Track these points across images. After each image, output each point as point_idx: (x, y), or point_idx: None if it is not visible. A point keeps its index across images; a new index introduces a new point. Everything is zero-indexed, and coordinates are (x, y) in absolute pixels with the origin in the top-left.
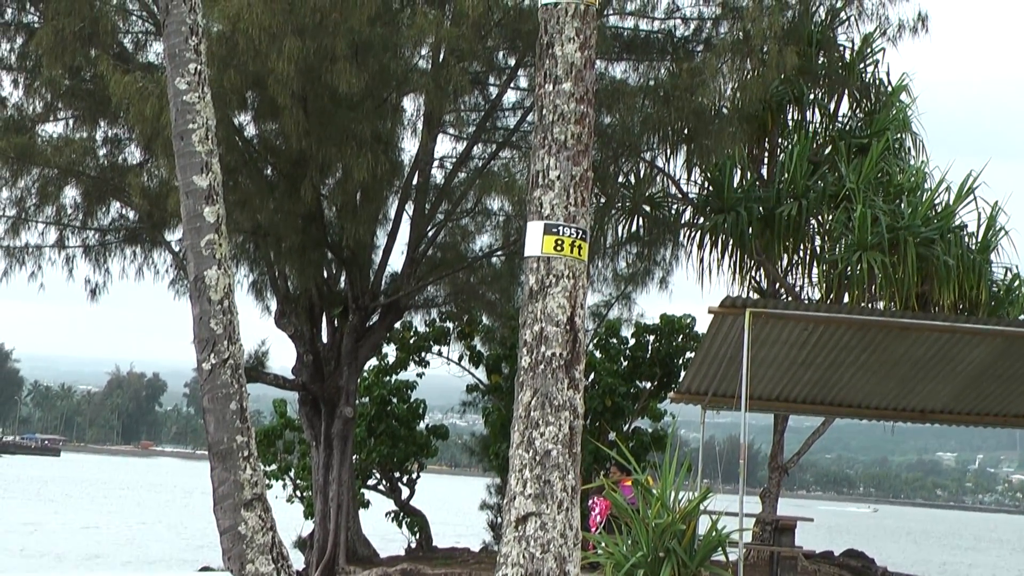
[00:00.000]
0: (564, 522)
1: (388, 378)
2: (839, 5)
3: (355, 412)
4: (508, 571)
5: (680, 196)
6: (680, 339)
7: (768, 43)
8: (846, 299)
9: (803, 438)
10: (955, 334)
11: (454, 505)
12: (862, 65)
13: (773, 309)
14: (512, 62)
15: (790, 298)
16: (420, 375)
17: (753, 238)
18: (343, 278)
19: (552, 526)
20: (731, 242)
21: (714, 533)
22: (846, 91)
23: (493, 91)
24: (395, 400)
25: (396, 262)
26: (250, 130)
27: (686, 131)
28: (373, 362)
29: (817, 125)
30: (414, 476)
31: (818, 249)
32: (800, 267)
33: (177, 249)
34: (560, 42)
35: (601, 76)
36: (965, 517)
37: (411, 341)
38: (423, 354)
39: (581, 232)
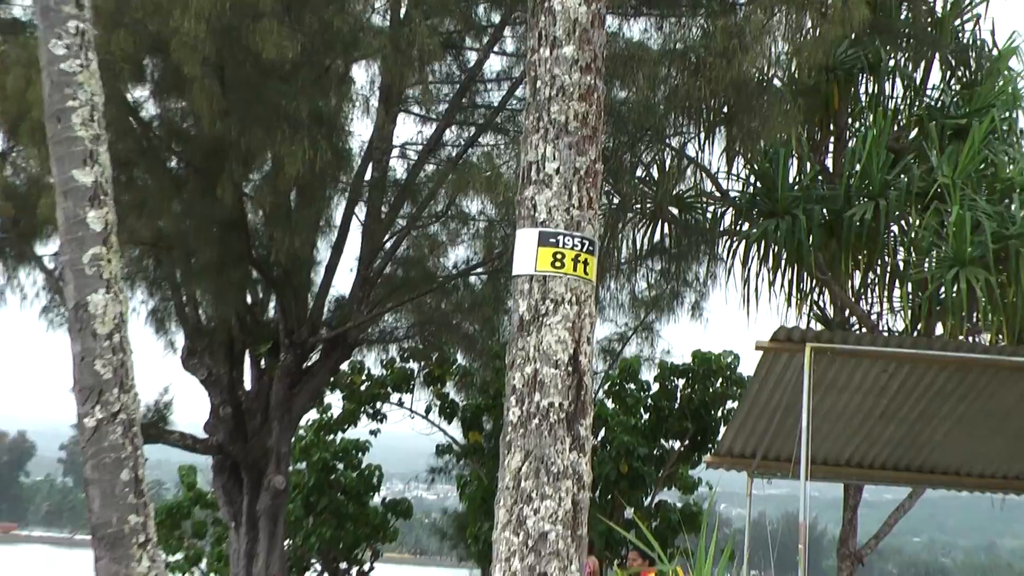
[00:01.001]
0: None
1: (332, 437)
2: None
3: (288, 482)
4: None
5: (718, 195)
6: (719, 384)
7: None
8: (939, 330)
9: (883, 516)
10: None
11: None
12: (958, 21)
13: (842, 344)
14: (496, 18)
15: (864, 329)
16: (375, 432)
17: (815, 250)
18: (273, 304)
19: None
20: (786, 255)
21: None
22: (937, 56)
23: (472, 57)
24: (341, 466)
25: (344, 283)
26: (149, 109)
27: (725, 109)
28: (313, 415)
29: (899, 101)
30: (366, 568)
31: (901, 264)
32: (878, 288)
33: (51, 266)
34: None
35: (614, 37)
36: None
37: (363, 388)
38: (379, 405)
39: (588, 243)
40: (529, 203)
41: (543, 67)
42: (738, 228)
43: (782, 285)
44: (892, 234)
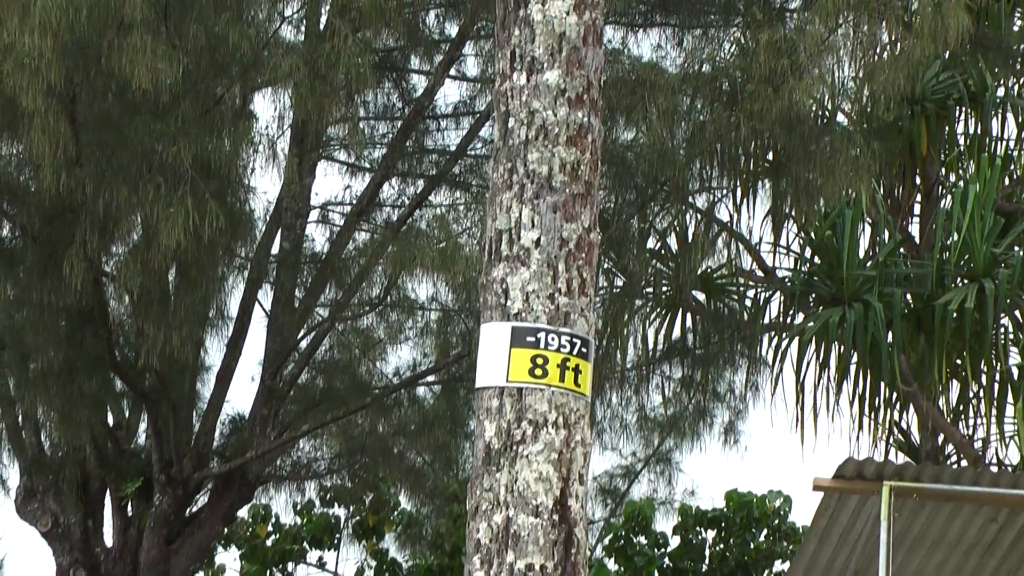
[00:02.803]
0: None
1: None
2: None
3: None
4: None
5: (761, 275)
6: (763, 537)
7: None
8: None
9: None
10: None
11: None
12: None
13: (933, 483)
14: (453, 30)
15: (964, 461)
16: None
17: (895, 350)
18: (144, 427)
19: None
20: (855, 358)
21: None
22: None
23: (419, 83)
24: None
25: (242, 397)
26: None
27: (771, 155)
28: None
29: (1011, 144)
30: None
31: (1015, 371)
32: (983, 404)
33: None
34: None
35: (615, 56)
36: None
37: (269, 542)
38: (291, 566)
39: (579, 343)
40: (499, 287)
41: (517, 99)
42: (789, 321)
43: (850, 400)
44: (1003, 328)
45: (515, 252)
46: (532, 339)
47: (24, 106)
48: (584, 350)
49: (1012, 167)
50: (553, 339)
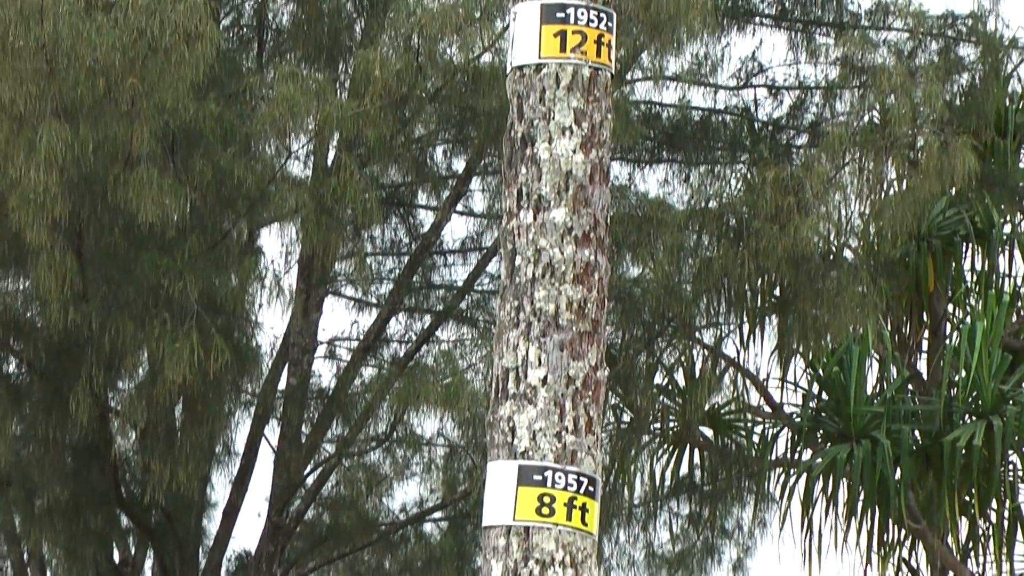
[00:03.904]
0: None
1: None
2: None
3: None
4: None
5: (769, 410)
6: None
7: (924, 131)
8: None
9: None
10: None
11: None
12: None
13: None
14: (460, 166)
15: None
16: None
17: (903, 487)
18: (150, 563)
19: None
20: (863, 495)
21: None
22: None
23: (426, 219)
24: None
25: (248, 534)
26: None
27: (777, 292)
28: None
29: (1017, 280)
30: None
31: None
32: (993, 542)
33: None
34: (547, 135)
35: (622, 193)
36: None
37: None
38: None
39: (586, 481)
40: (505, 425)
41: (524, 237)
42: (796, 457)
43: (859, 536)
44: (1011, 466)
45: (522, 390)
46: (539, 477)
47: (30, 241)
48: (591, 488)
49: (1019, 304)
50: (560, 478)
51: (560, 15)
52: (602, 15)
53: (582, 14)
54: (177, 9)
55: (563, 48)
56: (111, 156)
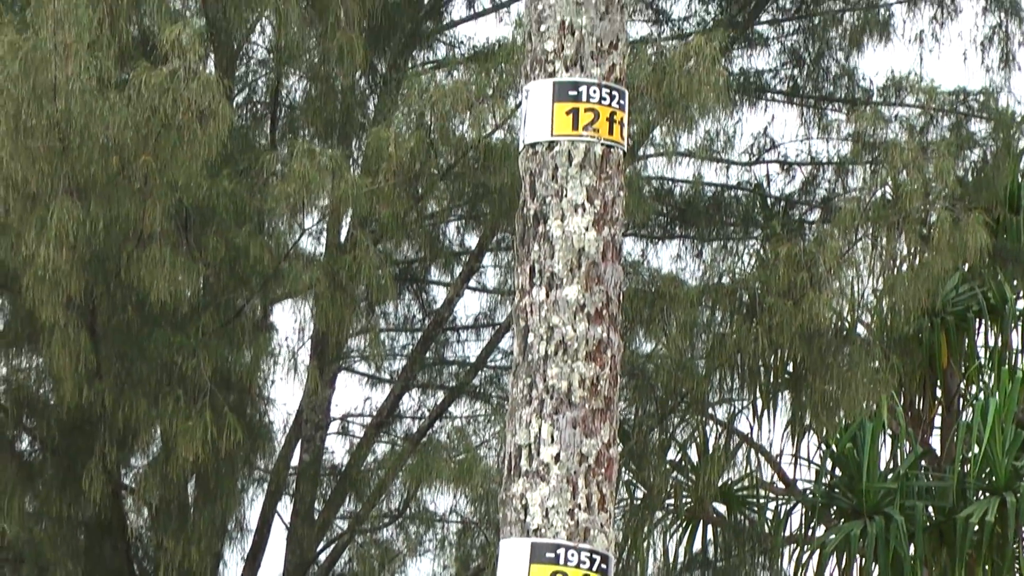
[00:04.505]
0: None
1: None
2: None
3: None
4: None
5: (782, 486)
6: None
7: (936, 206)
8: None
9: None
10: None
11: None
12: None
13: None
14: (473, 242)
15: None
16: None
17: (917, 564)
18: None
19: None
20: (877, 570)
21: None
22: None
23: (439, 295)
24: None
25: None
26: None
27: (791, 367)
28: None
29: None
30: None
31: None
32: None
33: None
34: (559, 212)
35: (635, 269)
36: None
37: None
38: None
39: (599, 559)
40: (518, 502)
41: (537, 314)
42: (810, 533)
43: None
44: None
45: (534, 467)
46: (551, 555)
47: (43, 319)
48: (604, 566)
49: None
50: (573, 555)
51: (572, 93)
52: (614, 93)
53: (594, 92)
54: (190, 87)
55: (575, 126)
56: (124, 233)
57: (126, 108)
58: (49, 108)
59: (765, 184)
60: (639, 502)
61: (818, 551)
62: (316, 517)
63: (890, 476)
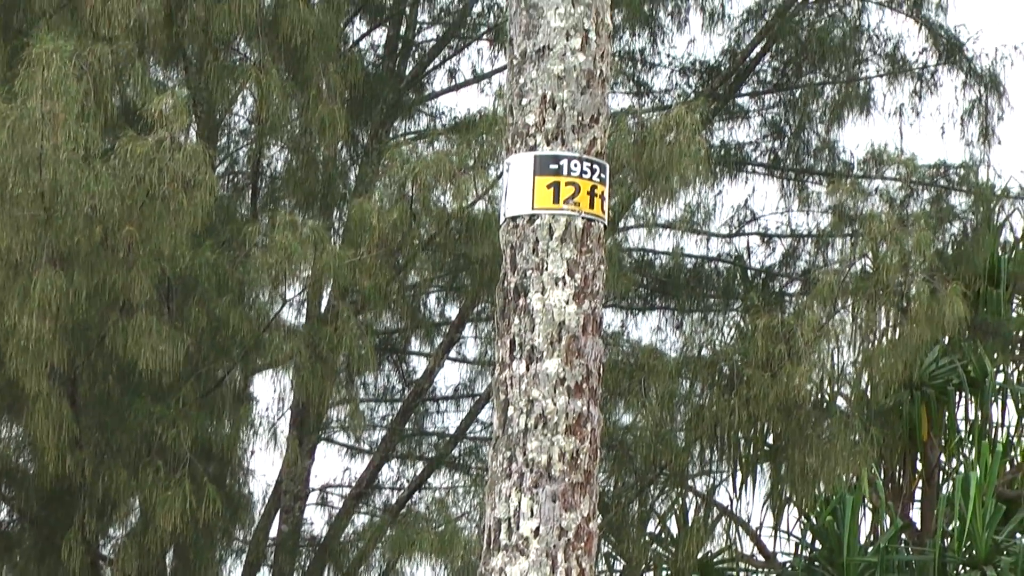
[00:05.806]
0: None
1: None
2: None
3: None
4: None
5: (762, 559)
6: None
7: (915, 279)
8: None
9: None
10: None
11: None
12: None
13: None
14: (453, 313)
15: None
16: None
17: None
18: None
19: None
20: None
21: None
22: None
23: (419, 365)
24: None
25: None
26: None
27: (770, 439)
28: None
29: (1011, 430)
30: None
31: None
32: None
33: None
34: (540, 285)
35: (615, 340)
36: None
37: None
38: None
39: None
40: None
41: (517, 388)
42: None
43: None
44: None
45: (514, 541)
46: None
47: (25, 389)
48: None
49: (1013, 453)
50: None
51: (553, 167)
52: (595, 166)
53: (575, 165)
54: (176, 158)
55: (556, 199)
56: (107, 303)
57: (111, 178)
58: (35, 177)
59: (745, 256)
60: (618, 574)
61: None
62: None
63: (870, 549)
